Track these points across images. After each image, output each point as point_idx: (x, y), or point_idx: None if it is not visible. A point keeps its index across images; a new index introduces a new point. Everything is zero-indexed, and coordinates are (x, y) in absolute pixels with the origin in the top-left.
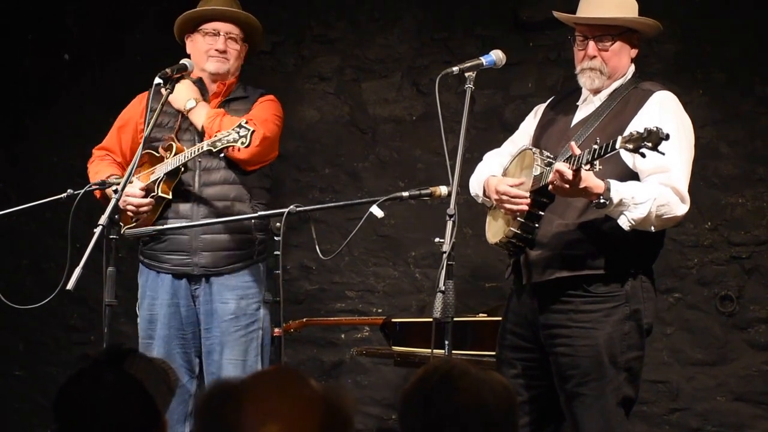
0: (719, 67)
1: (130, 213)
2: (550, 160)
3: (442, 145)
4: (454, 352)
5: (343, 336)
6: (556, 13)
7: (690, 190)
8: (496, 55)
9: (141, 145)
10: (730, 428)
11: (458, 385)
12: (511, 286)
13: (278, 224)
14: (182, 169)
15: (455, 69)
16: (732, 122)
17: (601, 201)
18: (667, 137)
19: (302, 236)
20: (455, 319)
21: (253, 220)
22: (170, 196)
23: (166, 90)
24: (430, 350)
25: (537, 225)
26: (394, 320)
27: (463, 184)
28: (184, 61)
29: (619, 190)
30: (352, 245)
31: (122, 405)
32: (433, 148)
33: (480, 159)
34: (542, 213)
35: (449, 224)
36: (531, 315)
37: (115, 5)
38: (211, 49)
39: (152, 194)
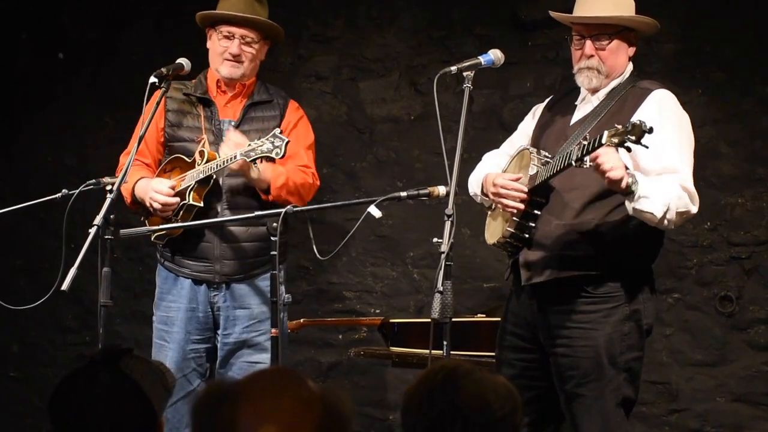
0: (719, 66)
1: (159, 213)
2: (547, 160)
3: (441, 145)
4: (452, 352)
5: (340, 337)
6: (552, 13)
7: None
8: (495, 55)
9: (136, 145)
10: (730, 429)
11: (462, 385)
12: (510, 286)
13: (275, 224)
14: (214, 176)
15: (453, 68)
16: (732, 122)
17: (630, 186)
18: (650, 131)
19: (299, 236)
20: (453, 319)
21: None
22: (201, 204)
23: (161, 89)
24: (428, 351)
25: (534, 225)
26: (392, 321)
27: (462, 184)
28: (180, 60)
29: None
30: (349, 245)
31: (118, 405)
32: (431, 148)
33: (478, 159)
34: (538, 213)
35: (447, 224)
36: (530, 316)
37: (111, 4)
38: (226, 52)
39: (183, 202)
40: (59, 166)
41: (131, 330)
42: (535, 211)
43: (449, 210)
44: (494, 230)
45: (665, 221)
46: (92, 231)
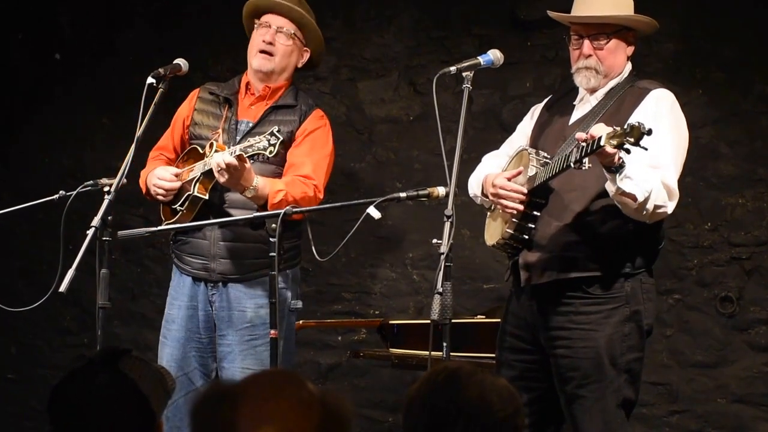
0: (719, 66)
1: (160, 197)
2: (546, 161)
3: (440, 146)
4: (452, 354)
5: (340, 338)
6: (550, 13)
7: (690, 191)
8: (494, 55)
9: (133, 146)
10: (731, 430)
11: (464, 387)
12: (510, 288)
13: (273, 225)
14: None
15: (452, 69)
16: (732, 122)
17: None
18: (649, 132)
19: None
20: (453, 320)
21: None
22: (206, 197)
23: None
24: (427, 352)
25: (533, 226)
26: (391, 322)
27: (461, 185)
28: (177, 61)
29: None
30: (349, 246)
31: (116, 405)
32: (431, 149)
33: (478, 159)
34: (538, 214)
35: (447, 225)
36: (530, 317)
37: (108, 4)
38: (260, 42)
39: (188, 193)
40: (56, 167)
41: (129, 332)
42: (535, 213)
43: (449, 211)
44: (494, 231)
45: (644, 210)
46: (90, 232)
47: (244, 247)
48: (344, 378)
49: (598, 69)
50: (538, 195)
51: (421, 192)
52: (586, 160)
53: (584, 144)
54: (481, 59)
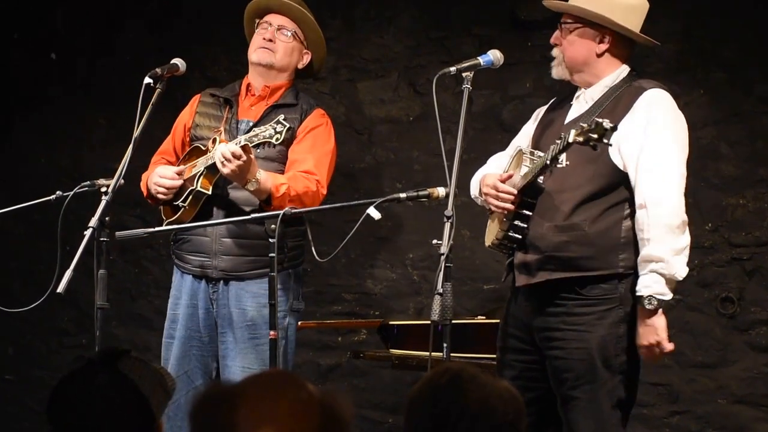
0: (720, 66)
1: (161, 196)
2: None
3: (440, 146)
4: (452, 354)
5: (339, 339)
6: (545, 2)
7: (690, 191)
8: (494, 55)
9: (130, 146)
10: (731, 431)
11: (467, 389)
12: (509, 288)
13: (273, 226)
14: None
15: (452, 69)
16: (733, 122)
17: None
18: (613, 129)
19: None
20: (453, 321)
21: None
22: (210, 192)
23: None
24: (428, 353)
25: (526, 226)
26: (391, 323)
27: (461, 186)
28: (175, 60)
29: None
30: (348, 247)
31: (116, 405)
32: (431, 149)
33: (478, 160)
34: (530, 213)
35: (447, 226)
36: (526, 317)
37: (105, 4)
38: (260, 39)
39: (191, 188)
40: (53, 167)
41: (128, 332)
42: (527, 212)
43: (449, 211)
44: (491, 231)
45: (680, 268)
46: (88, 233)
47: (246, 244)
48: (344, 379)
49: (560, 59)
50: (530, 195)
51: (421, 192)
52: (562, 157)
53: (558, 142)
54: (481, 60)
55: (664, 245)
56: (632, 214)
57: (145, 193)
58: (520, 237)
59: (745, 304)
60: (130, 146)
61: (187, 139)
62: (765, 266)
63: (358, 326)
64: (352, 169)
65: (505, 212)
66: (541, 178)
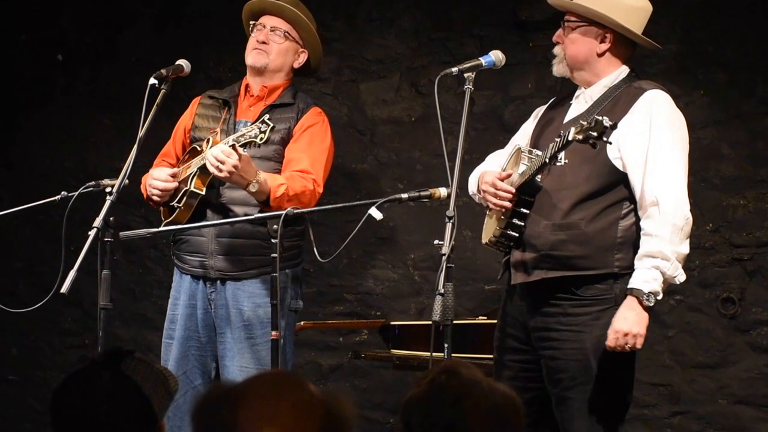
0: (720, 67)
1: (155, 197)
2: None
3: (441, 147)
4: (453, 355)
5: (341, 339)
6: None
7: (691, 191)
8: (496, 56)
9: (135, 147)
10: (732, 431)
11: (464, 390)
12: (504, 287)
13: (275, 227)
14: None
15: (454, 70)
16: (733, 123)
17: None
18: (613, 127)
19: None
20: (455, 321)
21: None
22: (203, 192)
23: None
24: (429, 353)
25: (523, 224)
26: (393, 323)
27: (463, 186)
28: (180, 61)
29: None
30: (350, 247)
31: (119, 406)
32: (432, 150)
33: (479, 160)
34: (527, 211)
35: (448, 226)
36: (522, 317)
37: (110, 6)
38: (254, 41)
39: (185, 189)
40: (58, 168)
41: (131, 333)
42: (524, 211)
43: (450, 212)
44: (488, 229)
45: (676, 267)
46: (92, 233)
47: (242, 243)
48: (346, 379)
49: (561, 57)
50: (527, 193)
51: (422, 193)
52: (560, 155)
53: (557, 140)
54: (483, 60)
55: (672, 245)
56: (629, 214)
57: (144, 195)
58: (517, 235)
59: (746, 304)
60: (135, 147)
61: (188, 141)
62: (766, 267)
63: (360, 326)
64: (354, 169)
65: (503, 210)
66: (539, 176)
